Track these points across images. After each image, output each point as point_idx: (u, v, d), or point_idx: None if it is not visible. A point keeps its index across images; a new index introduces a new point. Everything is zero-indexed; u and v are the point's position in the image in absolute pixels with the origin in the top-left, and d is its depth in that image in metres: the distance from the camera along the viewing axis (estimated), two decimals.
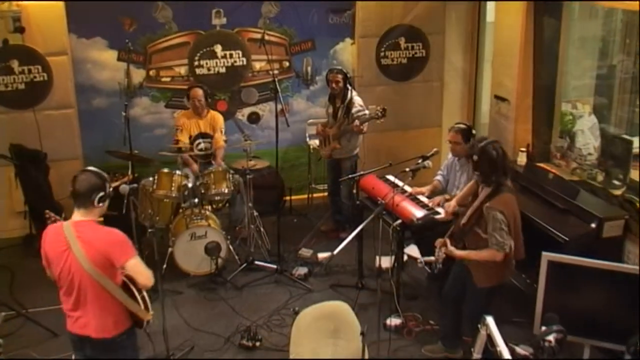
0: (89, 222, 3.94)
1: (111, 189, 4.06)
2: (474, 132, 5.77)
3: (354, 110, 7.04)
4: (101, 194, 3.95)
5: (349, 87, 7.11)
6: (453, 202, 5.32)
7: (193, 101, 7.13)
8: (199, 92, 7.11)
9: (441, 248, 4.92)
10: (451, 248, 4.83)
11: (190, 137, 7.17)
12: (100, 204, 3.98)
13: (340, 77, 7.05)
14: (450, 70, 8.71)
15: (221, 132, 7.31)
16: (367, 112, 7.08)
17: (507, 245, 4.59)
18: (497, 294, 4.89)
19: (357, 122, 6.92)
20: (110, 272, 3.92)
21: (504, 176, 4.68)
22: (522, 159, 6.93)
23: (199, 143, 7.23)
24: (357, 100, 7.12)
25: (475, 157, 4.62)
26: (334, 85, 7.07)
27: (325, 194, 8.09)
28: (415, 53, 8.55)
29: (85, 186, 3.92)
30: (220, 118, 7.33)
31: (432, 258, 5.01)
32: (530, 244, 4.86)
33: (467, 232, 4.80)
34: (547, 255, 4.72)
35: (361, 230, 5.10)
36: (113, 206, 6.79)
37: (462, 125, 5.74)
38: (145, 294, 4.10)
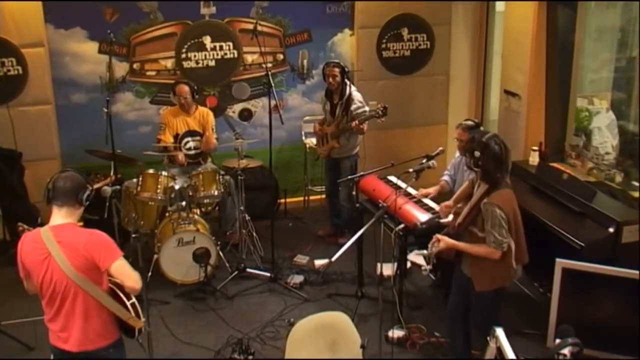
0: (69, 225, 3.92)
1: (93, 191, 4.06)
2: (482, 129, 5.77)
3: (353, 107, 7.03)
4: (87, 192, 3.97)
5: (348, 82, 7.10)
6: (450, 202, 5.31)
7: (179, 99, 7.12)
8: (185, 88, 7.08)
9: (435, 243, 4.88)
10: (445, 238, 4.80)
11: (177, 136, 7.16)
12: (87, 203, 3.99)
13: (337, 70, 7.03)
14: (457, 64, 8.72)
15: (212, 130, 7.30)
16: (367, 108, 7.07)
17: (506, 244, 4.59)
18: (502, 299, 4.88)
19: (357, 121, 6.92)
20: (96, 277, 3.90)
21: (505, 172, 4.70)
22: (534, 159, 6.92)
23: (187, 142, 7.22)
24: (357, 96, 7.11)
25: (477, 153, 4.61)
26: (331, 80, 7.06)
27: (323, 196, 8.09)
28: (420, 45, 8.55)
29: (70, 183, 3.93)
30: (210, 115, 7.32)
31: (425, 252, 4.99)
32: (543, 250, 4.85)
33: (462, 231, 4.80)
34: (561, 262, 4.71)
35: (361, 235, 5.08)
36: (94, 210, 6.87)
37: (469, 122, 5.74)
38: (135, 300, 4.08)
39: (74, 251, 3.83)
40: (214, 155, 7.43)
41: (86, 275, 3.86)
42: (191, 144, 7.23)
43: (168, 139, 7.10)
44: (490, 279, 4.76)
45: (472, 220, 4.72)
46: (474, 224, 4.72)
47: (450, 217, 5.21)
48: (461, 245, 4.72)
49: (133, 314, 4.03)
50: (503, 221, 4.54)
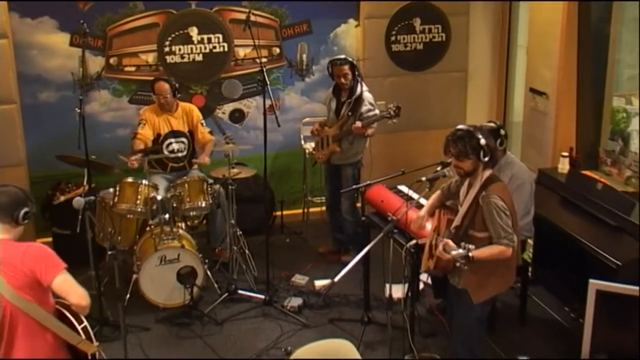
0: (3, 242, 3.92)
1: (59, 199, 4.04)
2: (503, 132, 5.77)
3: (364, 109, 7.03)
4: (26, 209, 3.95)
5: (359, 79, 7.12)
6: (422, 213, 5.34)
7: (158, 98, 7.13)
8: (165, 86, 7.08)
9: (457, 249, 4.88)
10: (451, 244, 4.81)
11: (158, 137, 7.17)
12: (26, 222, 3.97)
13: (347, 68, 7.04)
14: (476, 58, 8.73)
15: (202, 124, 7.31)
16: (377, 111, 7.08)
17: (514, 237, 4.71)
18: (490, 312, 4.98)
19: (358, 122, 6.92)
20: (39, 297, 3.88)
21: (497, 156, 4.97)
22: (563, 166, 6.92)
23: (170, 143, 7.22)
24: (368, 96, 7.11)
25: (482, 141, 4.72)
26: (342, 79, 7.06)
27: (324, 208, 8.08)
28: (434, 37, 8.56)
29: (6, 199, 3.92)
30: (195, 110, 7.34)
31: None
32: (574, 270, 4.86)
33: (461, 236, 4.83)
34: (595, 284, 4.70)
35: (367, 252, 5.07)
36: (65, 224, 6.88)
37: (491, 125, 5.74)
38: (86, 322, 4.05)
39: (12, 268, 3.81)
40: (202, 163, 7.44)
41: (28, 294, 3.83)
42: (174, 146, 7.23)
43: (148, 135, 7.11)
44: (491, 286, 4.85)
45: (471, 221, 4.79)
46: (473, 226, 4.79)
47: (428, 226, 5.28)
48: (478, 254, 4.72)
49: (84, 337, 4.01)
50: (507, 212, 4.68)
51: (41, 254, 3.88)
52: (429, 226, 5.33)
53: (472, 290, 4.86)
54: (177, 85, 7.22)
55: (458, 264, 4.62)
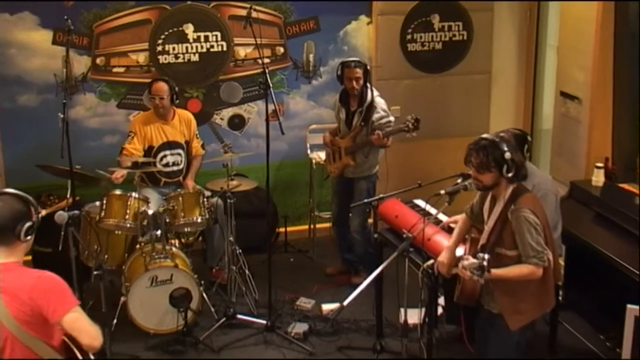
0: (13, 266, 3.83)
1: (40, 216, 4.00)
2: (529, 139, 5.75)
3: (375, 116, 7.02)
4: (28, 223, 3.89)
5: (369, 85, 7.12)
6: (446, 256, 5.27)
7: (153, 100, 7.13)
8: (163, 87, 7.10)
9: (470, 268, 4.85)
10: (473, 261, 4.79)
11: (151, 149, 7.18)
12: (28, 237, 3.92)
13: (361, 72, 7.02)
14: (501, 59, 8.74)
15: (196, 137, 7.32)
16: (392, 118, 7.07)
17: (546, 256, 4.66)
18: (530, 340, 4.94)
19: (378, 132, 6.91)
20: (45, 332, 3.85)
21: (525, 172, 4.88)
22: (598, 178, 6.89)
23: (164, 156, 7.23)
24: (380, 103, 7.11)
25: (507, 154, 4.68)
26: (354, 83, 7.04)
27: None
28: (454, 35, 8.58)
29: (5, 215, 3.85)
30: (193, 119, 7.35)
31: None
32: (610, 293, 4.84)
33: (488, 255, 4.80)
34: (633, 309, 4.68)
35: (380, 273, 5.06)
36: (46, 240, 6.86)
37: (515, 132, 5.72)
38: (92, 357, 4.04)
39: (17, 299, 3.73)
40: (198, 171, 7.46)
41: (33, 329, 3.77)
42: (170, 159, 7.24)
43: (138, 149, 7.11)
44: (528, 310, 4.80)
45: (498, 238, 4.77)
46: (500, 243, 4.77)
47: (460, 251, 5.22)
48: (503, 271, 4.72)
49: None
50: (539, 228, 4.64)
51: (51, 288, 3.80)
52: (460, 250, 5.27)
53: (507, 315, 4.82)
54: (176, 87, 7.24)
55: (475, 278, 4.61)
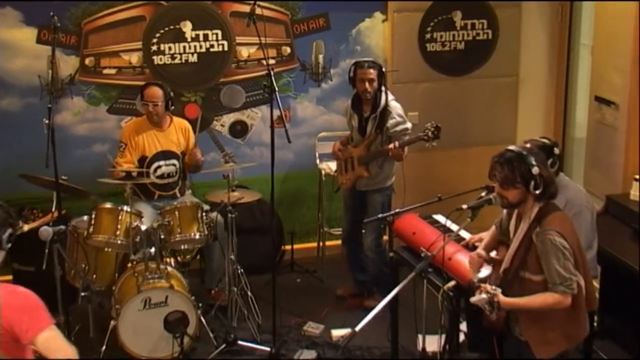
0: None
1: (22, 231, 4.02)
2: (556, 150, 5.72)
3: (390, 122, 7.00)
4: (10, 230, 3.92)
5: (384, 89, 7.11)
6: (479, 251, 5.30)
7: (146, 106, 7.15)
8: (157, 92, 7.11)
9: (491, 302, 4.86)
10: (500, 295, 4.79)
11: (144, 159, 7.19)
12: (9, 245, 3.95)
13: (374, 73, 6.99)
14: (530, 60, 8.74)
15: (195, 145, 7.32)
16: (408, 125, 7.04)
17: (575, 282, 4.62)
18: None
19: (395, 142, 6.90)
20: (16, 352, 3.87)
21: (555, 189, 4.83)
22: (637, 192, 6.87)
23: (159, 167, 7.25)
24: (395, 107, 7.08)
25: (535, 169, 4.66)
26: (366, 86, 7.00)
27: None
28: (478, 34, 8.59)
29: None
30: (191, 129, 7.36)
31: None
32: None
33: (511, 280, 4.81)
34: None
35: (396, 296, 5.06)
36: (28, 258, 6.87)
37: (544, 141, 5.70)
38: None
39: None
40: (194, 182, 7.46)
41: (3, 349, 3.80)
42: (164, 170, 7.26)
43: (130, 162, 7.12)
44: (557, 340, 4.77)
45: (522, 261, 4.75)
46: (524, 266, 4.74)
47: (485, 272, 5.21)
48: (522, 302, 4.70)
49: None
50: (567, 252, 4.59)
51: (25, 306, 3.83)
52: (485, 272, 5.28)
53: (534, 345, 4.80)
54: (171, 92, 7.25)
55: (487, 312, 4.62)
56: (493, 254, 5.19)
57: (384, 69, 7.09)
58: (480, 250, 5.26)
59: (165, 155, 7.24)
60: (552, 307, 4.64)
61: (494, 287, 4.61)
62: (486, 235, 5.36)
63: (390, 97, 7.13)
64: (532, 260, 4.70)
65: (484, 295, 4.55)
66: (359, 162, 7.21)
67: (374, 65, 7.03)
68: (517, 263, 4.76)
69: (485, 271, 5.24)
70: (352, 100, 7.27)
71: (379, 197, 7.26)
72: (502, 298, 4.66)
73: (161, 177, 7.23)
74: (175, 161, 7.27)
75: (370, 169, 7.17)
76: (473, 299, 4.58)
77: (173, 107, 7.33)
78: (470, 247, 5.86)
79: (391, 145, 6.87)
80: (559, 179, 5.76)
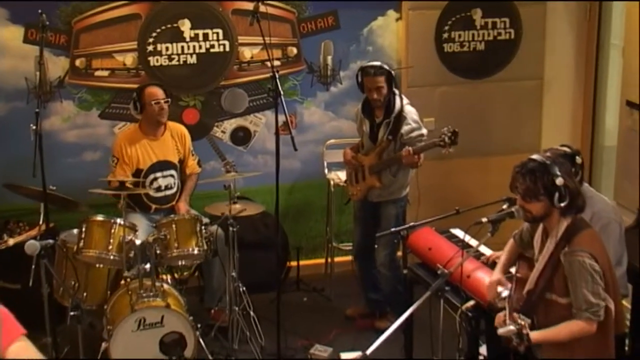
0: None
1: (7, 243, 4.04)
2: (578, 160, 5.70)
3: (405, 128, 6.97)
4: None
5: (396, 92, 7.09)
6: (496, 278, 5.28)
7: (150, 107, 7.12)
8: (157, 90, 7.14)
9: (509, 324, 4.85)
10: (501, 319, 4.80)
11: (139, 172, 7.20)
12: None
13: (382, 80, 6.95)
14: (556, 62, 8.75)
15: (192, 154, 7.34)
16: (424, 131, 7.03)
17: (602, 309, 4.60)
18: None
19: (408, 147, 6.88)
20: None
21: (582, 202, 4.81)
22: None
23: (155, 179, 7.27)
24: (410, 112, 7.05)
25: (559, 181, 4.65)
26: (375, 94, 6.99)
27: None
28: (499, 34, 8.60)
29: None
30: (187, 133, 7.39)
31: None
32: None
33: (535, 302, 4.80)
34: None
35: (410, 316, 5.06)
36: (14, 275, 6.88)
37: (564, 149, 5.68)
38: None
39: None
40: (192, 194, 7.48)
41: None
42: (161, 182, 7.27)
43: (125, 176, 7.10)
44: None
45: (548, 283, 4.74)
46: (551, 288, 4.74)
47: (505, 292, 5.19)
48: (550, 335, 4.69)
49: None
50: (597, 275, 4.58)
51: None
52: (505, 291, 5.27)
53: None
54: (169, 99, 7.25)
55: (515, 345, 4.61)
56: (512, 269, 5.20)
57: (393, 73, 7.02)
58: (498, 275, 5.25)
59: (162, 165, 7.25)
60: (577, 335, 4.62)
61: (521, 316, 4.59)
62: (503, 254, 5.34)
63: (406, 101, 7.10)
64: (559, 281, 4.69)
65: (512, 327, 4.53)
66: (370, 172, 7.20)
67: (381, 71, 6.96)
68: (543, 284, 4.76)
69: (505, 291, 5.24)
70: (362, 105, 7.26)
71: (392, 209, 7.24)
72: (531, 333, 4.63)
73: (158, 189, 7.24)
74: (172, 171, 7.29)
75: (382, 178, 7.15)
76: (501, 331, 4.56)
77: (169, 113, 7.35)
78: (491, 264, 5.87)
79: (404, 151, 6.86)
80: (583, 190, 5.76)
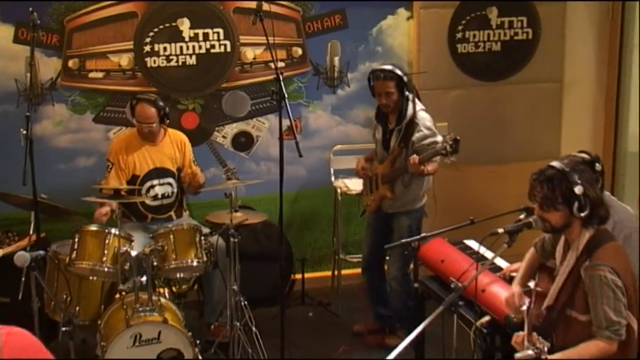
0: None
1: None
2: (598, 166, 5.69)
3: (416, 135, 6.91)
4: None
5: (409, 95, 7.04)
6: (515, 290, 5.26)
7: (140, 126, 7.17)
8: (149, 111, 7.11)
9: (527, 347, 4.84)
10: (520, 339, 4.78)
11: (135, 179, 7.22)
12: None
13: (393, 84, 6.91)
14: (576, 64, 8.75)
15: (193, 162, 7.34)
16: (439, 138, 6.97)
17: (624, 327, 4.57)
18: None
19: (414, 155, 6.84)
20: None
21: (605, 212, 4.76)
22: None
23: (152, 187, 7.28)
24: (423, 118, 6.99)
25: (578, 189, 4.62)
26: (384, 100, 6.97)
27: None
28: (516, 34, 8.61)
29: None
30: (187, 141, 7.39)
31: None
32: None
33: (555, 319, 4.79)
34: None
35: (422, 332, 5.06)
36: (3, 288, 6.87)
37: (583, 156, 5.67)
38: None
39: None
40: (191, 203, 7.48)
41: None
42: (158, 190, 7.28)
43: (119, 184, 7.12)
44: None
45: (569, 298, 4.72)
46: (571, 304, 4.72)
47: (524, 306, 5.18)
48: (569, 354, 4.66)
49: None
50: (620, 292, 4.55)
51: None
52: (525, 306, 5.25)
53: None
54: (167, 109, 7.25)
55: None
56: (532, 283, 5.19)
57: (404, 78, 6.96)
58: (517, 287, 5.23)
59: (159, 173, 7.26)
60: (598, 357, 4.59)
61: (540, 339, 4.58)
62: (522, 264, 5.33)
63: (420, 106, 7.06)
64: (580, 297, 4.67)
65: (530, 352, 4.51)
66: (382, 181, 7.19)
67: (391, 75, 6.93)
68: (563, 300, 4.74)
69: (525, 304, 5.22)
70: (376, 110, 7.25)
71: (406, 220, 7.20)
72: (550, 357, 4.61)
73: (155, 198, 7.25)
74: (170, 179, 7.29)
75: (394, 188, 7.14)
76: (518, 355, 4.54)
77: (168, 121, 7.34)
78: (507, 278, 5.87)
79: (411, 159, 6.81)
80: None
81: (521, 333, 4.82)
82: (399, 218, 7.23)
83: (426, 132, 6.94)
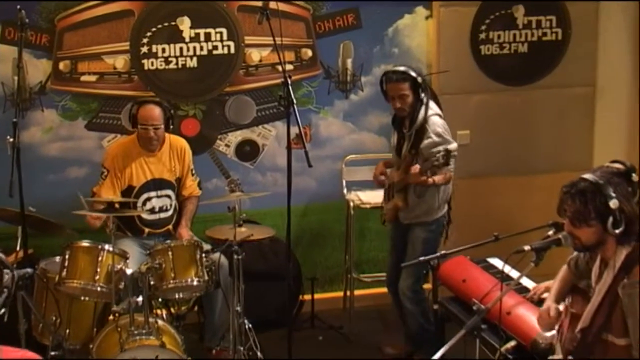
0: None
1: None
2: (635, 177, 5.67)
3: (425, 142, 6.85)
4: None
5: (424, 98, 7.01)
6: (550, 305, 5.25)
7: (145, 131, 7.13)
8: (154, 112, 7.10)
9: None
10: None
11: (131, 190, 7.22)
12: None
13: (406, 86, 6.89)
14: (609, 67, 8.74)
15: (192, 172, 7.33)
16: (451, 146, 6.83)
17: None
18: None
19: (416, 165, 6.81)
20: None
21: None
22: None
23: (148, 199, 7.28)
24: (435, 123, 6.93)
25: (613, 203, 4.59)
26: (397, 103, 6.95)
27: (376, 290, 8.02)
28: (544, 34, 8.60)
29: None
30: (188, 148, 7.37)
31: None
32: None
33: (591, 344, 4.76)
34: None
35: (442, 358, 5.04)
36: None
37: (617, 166, 5.65)
38: None
39: None
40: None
41: None
42: (155, 203, 7.29)
43: (112, 194, 7.13)
44: None
45: (606, 321, 4.69)
46: (608, 327, 4.69)
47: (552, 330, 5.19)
48: None
49: None
50: None
51: None
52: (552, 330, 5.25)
53: None
54: (172, 111, 7.26)
55: None
56: (561, 306, 5.17)
57: (419, 79, 6.93)
58: (551, 303, 5.21)
59: (156, 184, 7.26)
60: None
61: None
62: (555, 281, 5.31)
63: (433, 110, 7.01)
64: (618, 319, 4.63)
65: None
66: (396, 189, 7.18)
67: (405, 76, 6.90)
68: (600, 322, 4.70)
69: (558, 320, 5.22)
70: (392, 117, 7.25)
71: (420, 233, 7.16)
72: None
73: (152, 211, 7.25)
74: (169, 191, 7.30)
75: (407, 198, 7.10)
76: None
77: (172, 127, 7.33)
78: (536, 300, 5.85)
79: (412, 168, 6.82)
80: None
81: (556, 357, 4.81)
82: (414, 230, 7.20)
83: (435, 139, 6.85)
